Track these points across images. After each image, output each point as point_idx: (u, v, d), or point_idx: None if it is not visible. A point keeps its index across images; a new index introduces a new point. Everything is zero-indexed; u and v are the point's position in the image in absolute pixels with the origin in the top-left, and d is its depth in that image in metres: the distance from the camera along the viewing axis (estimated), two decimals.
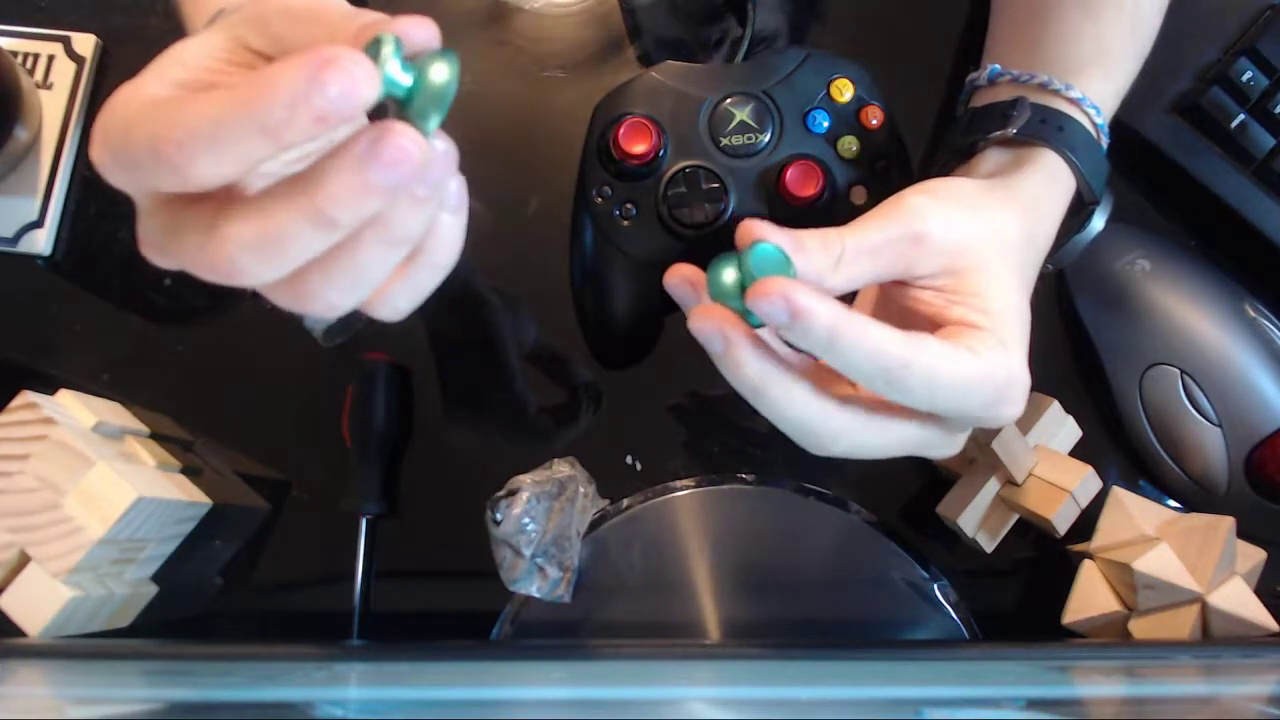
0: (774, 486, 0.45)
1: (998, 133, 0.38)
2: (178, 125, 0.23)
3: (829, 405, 0.31)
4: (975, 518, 0.43)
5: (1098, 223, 0.43)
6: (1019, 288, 0.34)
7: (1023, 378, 0.33)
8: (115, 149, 0.25)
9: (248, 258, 0.24)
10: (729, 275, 0.30)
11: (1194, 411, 0.45)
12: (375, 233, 0.24)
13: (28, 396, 0.39)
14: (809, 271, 0.32)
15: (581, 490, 0.44)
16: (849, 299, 0.39)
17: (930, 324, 0.33)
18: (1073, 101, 0.38)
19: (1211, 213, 0.47)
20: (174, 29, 0.51)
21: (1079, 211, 0.39)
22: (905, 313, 0.34)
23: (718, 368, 0.30)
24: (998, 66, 0.41)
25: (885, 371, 0.29)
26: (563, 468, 0.44)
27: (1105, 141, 0.39)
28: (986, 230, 0.34)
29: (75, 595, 0.37)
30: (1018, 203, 0.36)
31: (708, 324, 0.30)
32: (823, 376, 0.32)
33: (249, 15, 0.28)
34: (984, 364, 0.31)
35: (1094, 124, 0.38)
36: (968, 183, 0.36)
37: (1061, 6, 0.40)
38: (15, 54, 0.50)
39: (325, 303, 0.26)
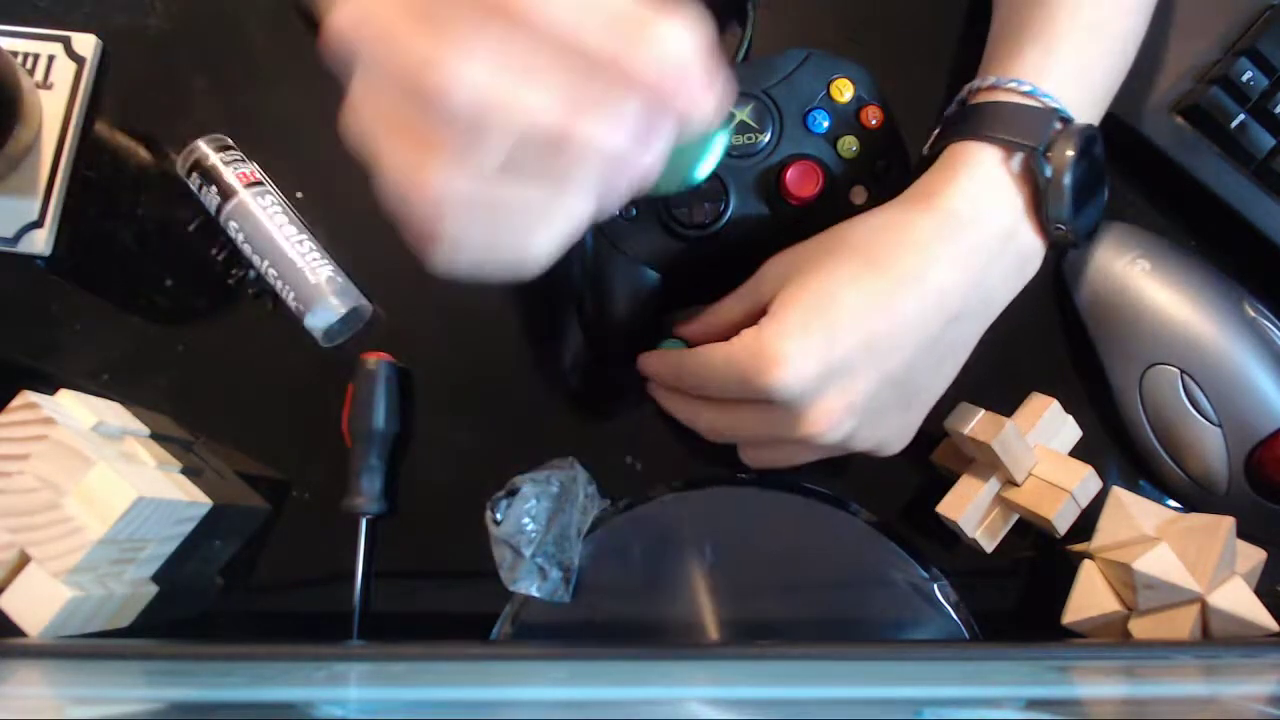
0: (774, 487, 0.45)
1: (922, 157, 0.42)
2: None
3: (694, 405, 0.42)
4: (975, 518, 0.43)
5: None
6: (821, 276, 0.38)
7: (766, 349, 0.37)
8: None
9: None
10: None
11: (1194, 411, 0.45)
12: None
13: (28, 396, 0.39)
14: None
15: (582, 490, 0.44)
16: None
17: None
18: (989, 89, 0.40)
19: (1211, 213, 0.47)
20: (174, 29, 0.51)
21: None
22: None
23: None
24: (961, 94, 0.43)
25: (682, 375, 0.42)
26: (563, 468, 0.44)
27: (1044, 103, 0.39)
28: (805, 248, 0.40)
29: (75, 595, 0.37)
30: (896, 205, 0.40)
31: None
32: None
33: None
34: (729, 348, 0.38)
35: (1021, 93, 0.39)
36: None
37: (1017, 4, 0.42)
38: (15, 54, 0.50)
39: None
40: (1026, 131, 0.39)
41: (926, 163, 0.41)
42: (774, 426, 0.39)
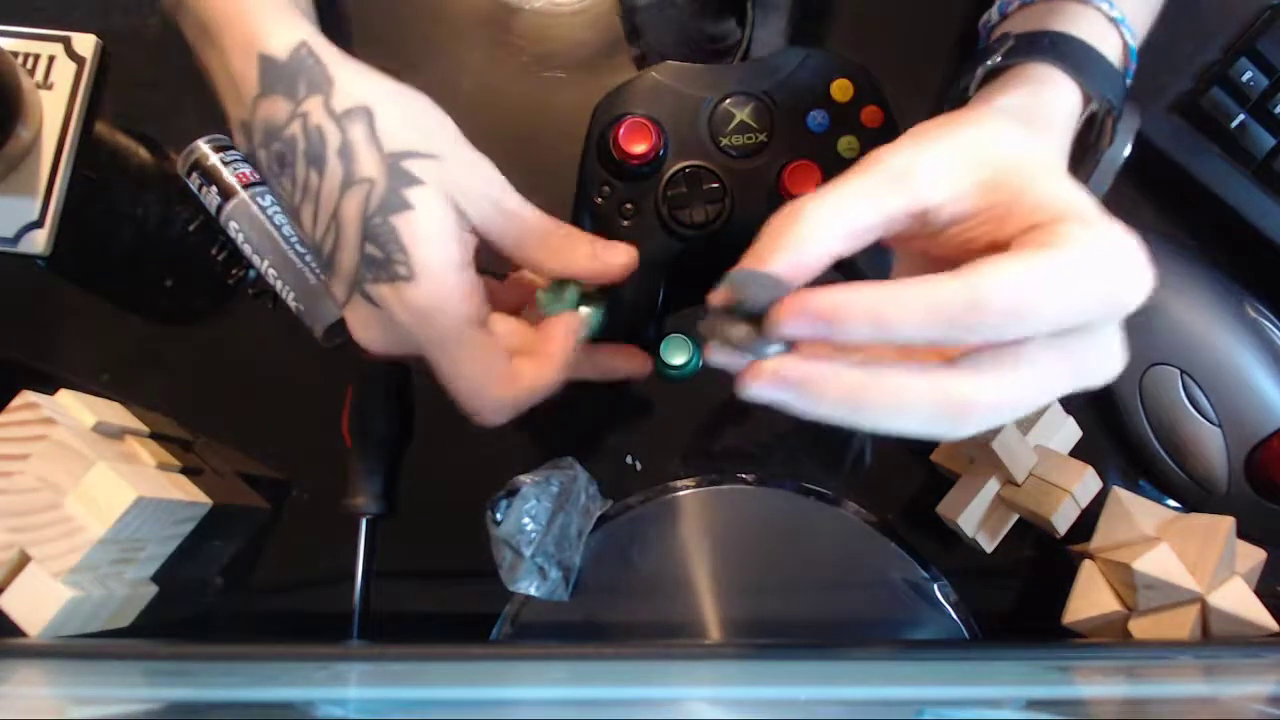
0: (774, 487, 0.45)
1: (980, 67, 0.37)
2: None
3: (940, 378, 0.27)
4: (975, 518, 0.43)
5: (1123, 141, 0.38)
6: (1062, 177, 0.30)
7: (1133, 243, 0.28)
8: None
9: None
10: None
11: (1194, 411, 0.45)
12: None
13: (28, 396, 0.39)
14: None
15: (584, 491, 0.44)
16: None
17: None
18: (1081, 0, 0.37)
19: (1212, 213, 0.47)
20: (174, 28, 0.51)
21: (1092, 127, 0.38)
22: (955, 264, 0.29)
23: (804, 414, 0.28)
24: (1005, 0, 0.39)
25: (955, 323, 0.26)
26: (563, 468, 0.44)
27: (1125, 36, 0.37)
28: (987, 138, 0.31)
29: (75, 595, 0.37)
30: (1003, 113, 0.33)
31: (764, 380, 0.28)
32: (906, 352, 0.30)
33: (467, 193, 0.36)
34: (1074, 249, 0.27)
35: (1109, 18, 0.36)
36: (934, 122, 0.32)
37: None
38: (15, 54, 0.50)
39: None
40: (1111, 87, 0.36)
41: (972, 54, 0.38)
42: (1081, 368, 0.29)
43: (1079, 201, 0.29)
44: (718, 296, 0.29)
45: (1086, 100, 0.36)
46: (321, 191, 0.35)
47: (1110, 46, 0.37)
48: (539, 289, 0.39)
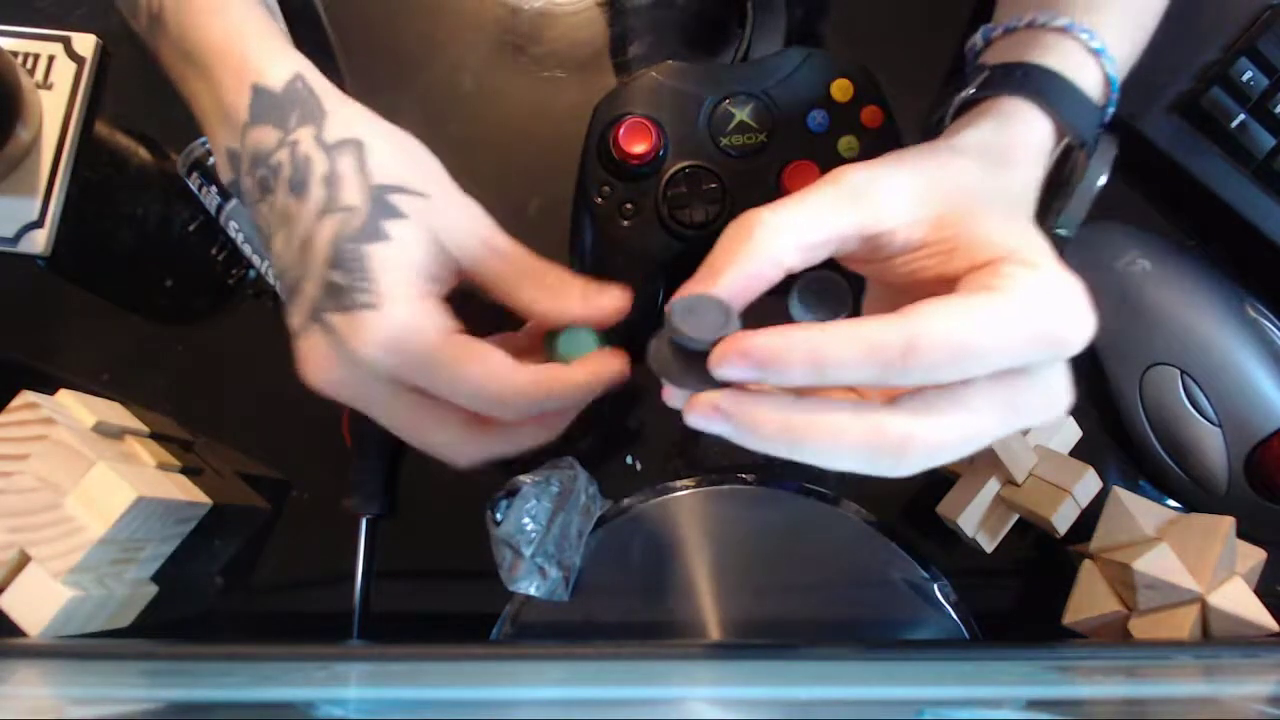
0: (774, 486, 0.45)
1: (956, 97, 0.37)
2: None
3: (878, 417, 0.28)
4: (975, 518, 0.43)
5: (1098, 171, 0.38)
6: (1015, 218, 0.32)
7: (1076, 286, 0.29)
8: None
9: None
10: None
11: (1194, 412, 0.45)
12: None
13: (28, 396, 0.39)
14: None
15: (584, 491, 0.44)
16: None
17: (937, 291, 0.30)
18: (1059, 30, 0.36)
19: (1212, 213, 0.47)
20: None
21: (1068, 158, 0.37)
22: (907, 292, 0.30)
23: (745, 446, 0.28)
24: (990, 26, 0.39)
25: (892, 366, 0.27)
26: (563, 468, 0.44)
27: (1105, 68, 0.36)
28: (946, 174, 0.32)
29: (75, 595, 0.37)
30: (965, 151, 0.34)
31: (700, 411, 0.28)
32: (851, 391, 0.31)
33: (453, 231, 0.35)
34: (1014, 292, 0.28)
35: (1089, 49, 0.36)
36: (902, 151, 0.33)
37: None
38: (15, 54, 0.50)
39: None
40: (1085, 121, 0.36)
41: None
42: (1022, 409, 0.29)
43: (1025, 242, 0.30)
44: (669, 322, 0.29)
45: (1061, 133, 0.36)
46: (299, 217, 0.34)
47: (1088, 78, 0.36)
48: (548, 344, 0.37)
